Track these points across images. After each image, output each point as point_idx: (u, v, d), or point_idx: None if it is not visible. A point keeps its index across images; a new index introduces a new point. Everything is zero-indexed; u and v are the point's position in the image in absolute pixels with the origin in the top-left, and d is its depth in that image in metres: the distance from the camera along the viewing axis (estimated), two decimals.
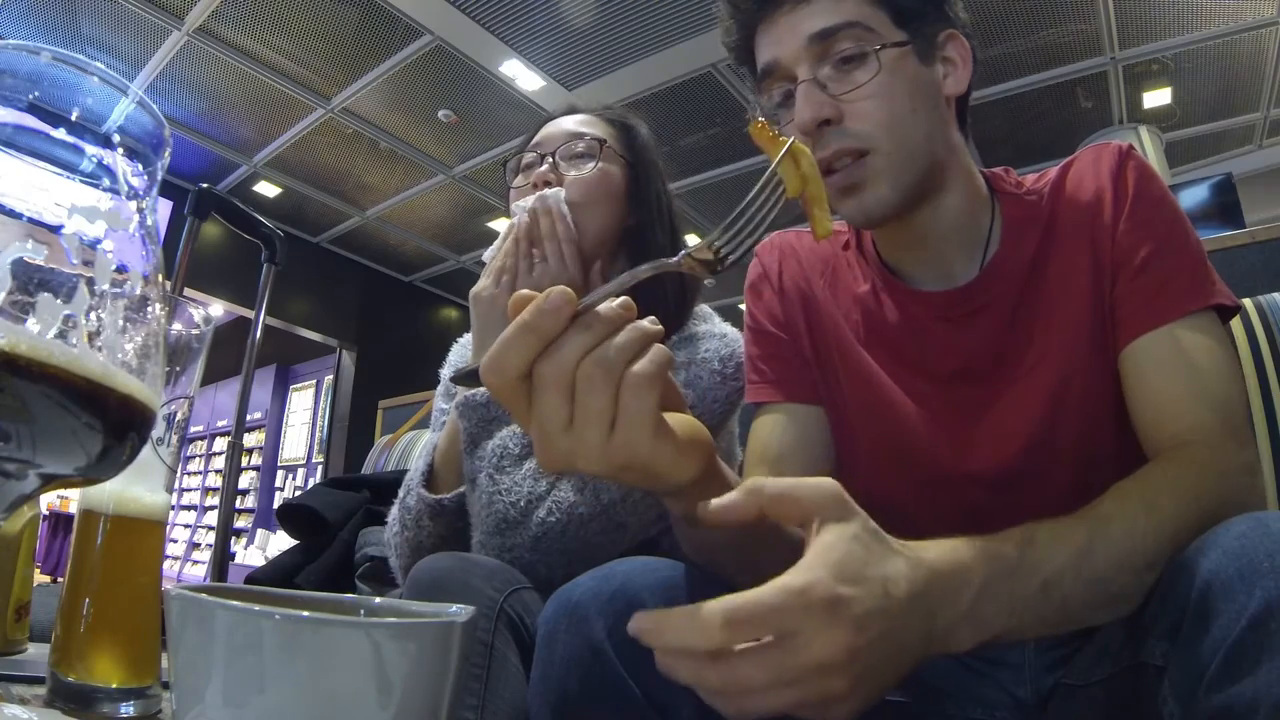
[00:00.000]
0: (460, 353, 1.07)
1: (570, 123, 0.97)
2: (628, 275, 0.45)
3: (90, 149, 0.32)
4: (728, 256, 0.48)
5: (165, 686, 0.55)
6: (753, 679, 0.38)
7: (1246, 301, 1.04)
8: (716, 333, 0.93)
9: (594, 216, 0.92)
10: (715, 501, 0.43)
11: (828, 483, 0.43)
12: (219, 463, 8.56)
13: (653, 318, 0.44)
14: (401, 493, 0.90)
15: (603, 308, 0.43)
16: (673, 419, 0.45)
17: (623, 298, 0.44)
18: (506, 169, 0.99)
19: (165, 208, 4.04)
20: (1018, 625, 0.45)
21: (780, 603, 0.37)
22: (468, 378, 0.45)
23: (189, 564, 8.22)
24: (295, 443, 8.29)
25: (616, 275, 0.97)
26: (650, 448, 0.43)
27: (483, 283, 0.88)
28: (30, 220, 0.29)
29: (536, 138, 0.98)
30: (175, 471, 0.60)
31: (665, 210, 0.98)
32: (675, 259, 0.48)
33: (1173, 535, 0.48)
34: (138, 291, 0.32)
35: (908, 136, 0.67)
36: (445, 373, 1.03)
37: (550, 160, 0.93)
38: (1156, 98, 4.40)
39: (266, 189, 5.86)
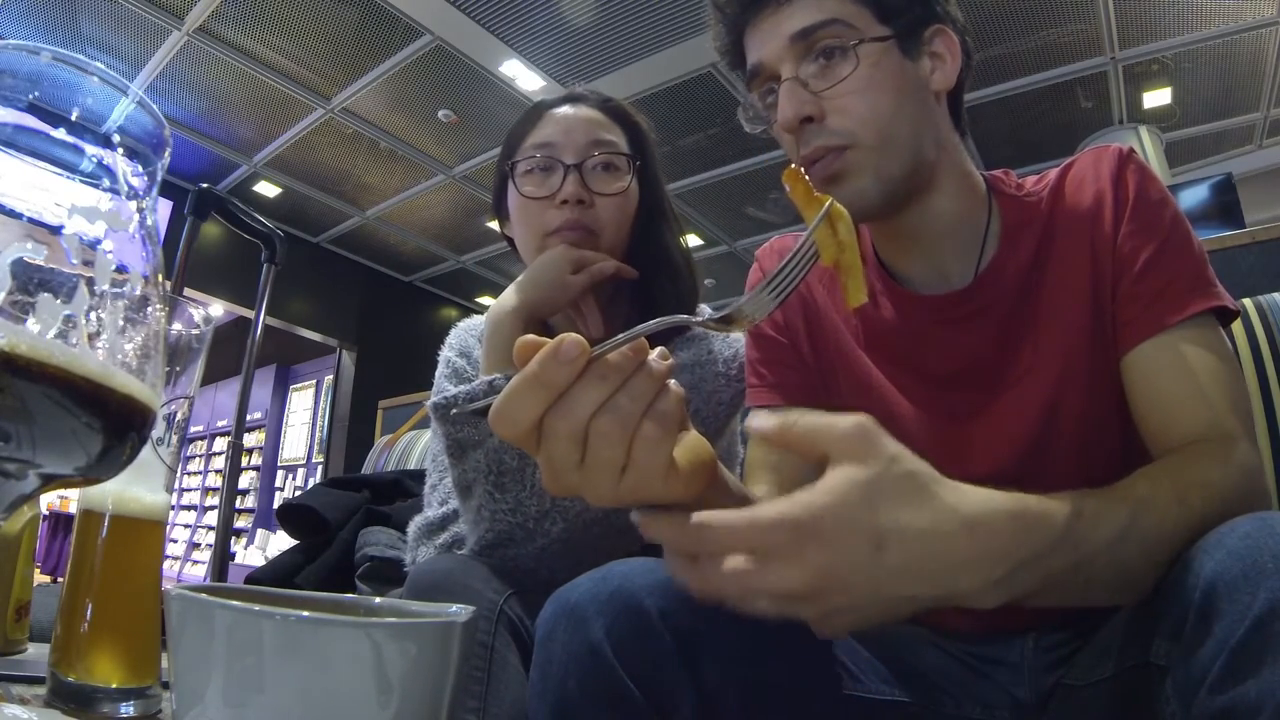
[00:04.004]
0: (461, 336, 1.00)
1: (583, 124, 0.92)
2: (644, 326, 0.43)
3: (90, 149, 0.32)
4: (753, 317, 0.47)
5: (165, 686, 0.55)
6: (724, 588, 0.41)
7: (1246, 301, 1.03)
8: (719, 333, 0.93)
9: (622, 234, 0.91)
10: (758, 425, 0.44)
11: (852, 421, 0.41)
12: (219, 463, 8.56)
13: (663, 350, 0.43)
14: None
15: (614, 355, 0.41)
16: (679, 443, 0.45)
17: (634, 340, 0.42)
18: (514, 168, 0.92)
19: (165, 208, 4.04)
20: (1040, 593, 0.45)
21: (745, 530, 0.40)
22: (476, 416, 0.44)
23: (189, 564, 8.22)
24: (295, 443, 8.28)
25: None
26: (661, 488, 0.43)
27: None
28: (30, 220, 0.29)
29: (544, 136, 0.91)
30: (175, 471, 0.60)
31: (670, 209, 0.98)
32: (700, 319, 0.47)
33: (1197, 533, 0.47)
34: (138, 292, 0.32)
35: (891, 131, 0.67)
36: (449, 354, 0.97)
37: (576, 174, 0.88)
38: (1156, 98, 4.40)
39: (266, 189, 5.85)
